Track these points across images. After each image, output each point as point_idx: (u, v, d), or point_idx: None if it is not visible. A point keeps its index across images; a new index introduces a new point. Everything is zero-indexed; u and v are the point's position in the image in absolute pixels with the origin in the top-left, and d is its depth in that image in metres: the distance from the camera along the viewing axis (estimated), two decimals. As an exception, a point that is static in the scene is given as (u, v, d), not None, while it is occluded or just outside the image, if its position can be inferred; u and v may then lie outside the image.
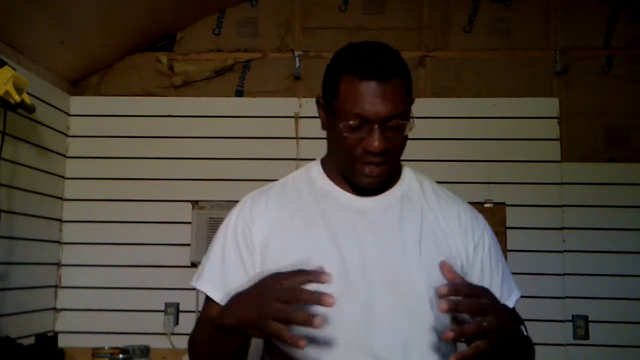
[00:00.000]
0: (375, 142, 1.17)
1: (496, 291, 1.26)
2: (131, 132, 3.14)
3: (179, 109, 3.16)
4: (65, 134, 3.11)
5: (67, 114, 3.12)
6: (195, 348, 1.25)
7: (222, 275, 1.24)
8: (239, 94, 3.21)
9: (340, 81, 1.21)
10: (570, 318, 2.96)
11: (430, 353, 1.20)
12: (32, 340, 2.68)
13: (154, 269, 3.04)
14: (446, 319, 1.23)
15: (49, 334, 2.87)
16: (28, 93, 2.44)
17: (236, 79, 3.22)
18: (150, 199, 3.09)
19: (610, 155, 3.08)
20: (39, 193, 2.85)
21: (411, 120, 1.22)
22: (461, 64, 3.18)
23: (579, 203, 3.02)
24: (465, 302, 1.04)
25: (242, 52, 3.23)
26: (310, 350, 1.19)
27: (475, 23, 3.20)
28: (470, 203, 1.38)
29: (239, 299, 1.12)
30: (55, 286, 3.03)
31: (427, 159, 2.94)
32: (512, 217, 3.01)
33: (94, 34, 2.94)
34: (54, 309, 3.01)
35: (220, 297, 1.24)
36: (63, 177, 3.09)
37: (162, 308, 3.01)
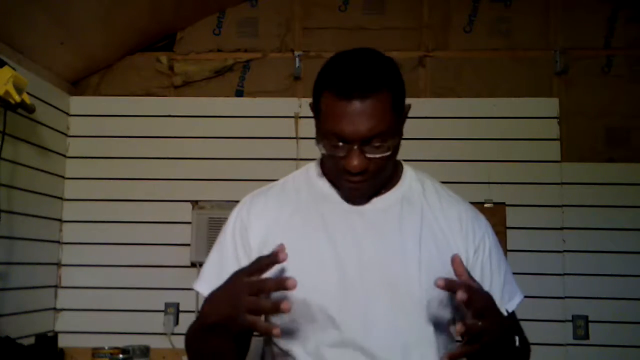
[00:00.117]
0: (354, 162, 1.15)
1: (496, 295, 1.26)
2: (131, 132, 3.14)
3: (179, 109, 3.16)
4: (65, 134, 3.11)
5: (67, 114, 3.12)
6: (190, 347, 1.27)
7: (219, 277, 1.25)
8: (239, 94, 3.21)
9: (321, 97, 1.18)
10: (570, 318, 2.96)
11: (430, 353, 1.20)
12: (32, 340, 2.68)
13: (154, 269, 3.04)
14: (445, 319, 1.23)
15: (49, 334, 2.87)
16: (28, 93, 2.44)
17: (236, 79, 3.22)
18: (150, 199, 3.09)
19: (610, 155, 3.08)
20: (39, 193, 2.85)
21: (396, 138, 1.18)
22: (461, 64, 3.18)
23: (579, 203, 3.02)
24: (472, 296, 1.04)
25: (242, 52, 3.23)
26: (310, 351, 1.20)
27: (475, 23, 3.20)
28: (470, 203, 1.37)
29: (215, 297, 1.15)
30: (55, 286, 3.03)
31: (427, 159, 2.94)
32: (512, 217, 3.01)
33: (94, 34, 2.94)
34: (54, 309, 3.01)
35: None
36: (63, 177, 3.09)
37: (162, 308, 3.02)
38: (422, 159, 2.81)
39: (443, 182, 1.40)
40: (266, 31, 3.24)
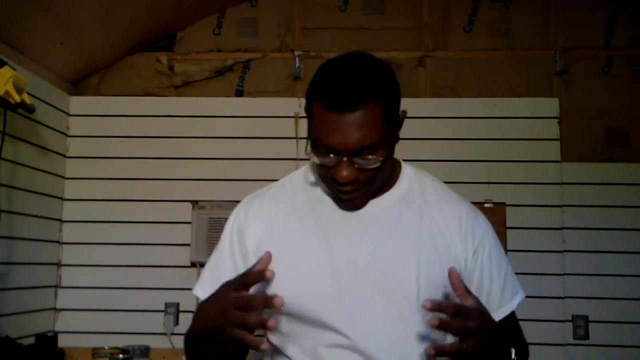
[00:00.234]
0: (343, 173, 1.14)
1: (496, 296, 1.26)
2: (131, 132, 3.14)
3: (179, 109, 3.16)
4: (65, 134, 3.11)
5: (67, 114, 3.12)
6: (188, 351, 1.27)
7: (217, 282, 1.24)
8: (239, 94, 3.21)
9: (312, 106, 1.18)
10: (570, 318, 2.96)
11: (425, 357, 1.19)
12: (32, 340, 2.68)
13: (154, 269, 3.04)
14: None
15: (49, 334, 2.87)
16: (28, 93, 2.44)
17: (236, 79, 3.22)
18: (150, 199, 3.09)
19: (610, 155, 3.08)
20: (39, 193, 2.85)
21: (387, 148, 1.16)
22: (461, 64, 3.18)
23: (579, 203, 3.02)
24: (453, 322, 1.04)
25: (242, 52, 3.23)
26: (307, 351, 1.19)
27: (475, 23, 3.20)
28: (471, 203, 1.36)
29: (205, 307, 1.16)
30: (55, 286, 3.03)
31: (427, 159, 2.94)
32: (512, 217, 3.01)
33: (94, 34, 2.94)
34: (54, 309, 3.01)
35: None
36: (63, 177, 3.09)
37: (162, 308, 3.02)
38: (422, 159, 2.81)
39: (443, 183, 1.38)
40: (266, 31, 3.24)
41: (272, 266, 1.11)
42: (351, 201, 1.21)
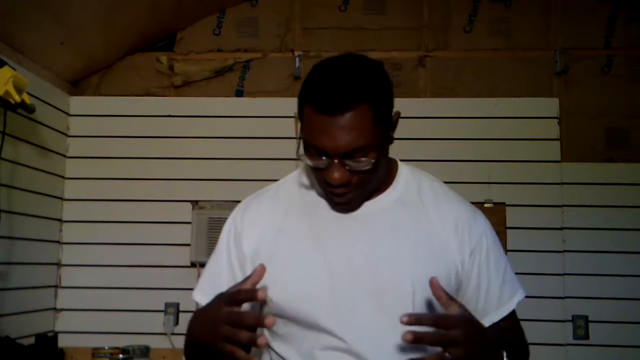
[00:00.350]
0: (334, 175, 1.14)
1: (494, 296, 1.25)
2: (131, 132, 3.14)
3: (179, 109, 3.16)
4: (65, 134, 3.11)
5: (67, 114, 3.12)
6: (187, 355, 1.27)
7: (214, 285, 1.24)
8: (239, 94, 3.21)
9: (303, 110, 1.16)
10: (570, 318, 2.96)
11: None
12: (32, 340, 2.68)
13: (154, 269, 3.04)
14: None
15: (49, 334, 2.87)
16: (28, 93, 2.44)
17: (236, 79, 3.22)
18: (150, 199, 3.09)
19: (610, 155, 3.09)
20: (39, 193, 2.85)
21: (380, 150, 1.15)
22: (461, 64, 3.18)
23: (579, 203, 3.02)
24: (430, 334, 1.03)
25: (242, 52, 3.23)
26: (304, 353, 1.19)
27: (475, 23, 3.20)
28: (471, 203, 1.35)
29: (198, 319, 1.17)
30: (55, 286, 3.03)
31: (427, 159, 2.94)
32: (512, 217, 3.01)
33: (94, 34, 2.94)
34: (54, 309, 3.01)
35: None
36: (63, 177, 3.09)
37: (162, 308, 3.02)
38: (422, 159, 2.81)
39: (443, 183, 1.37)
40: (266, 31, 3.24)
41: (268, 269, 1.12)
42: (345, 204, 1.21)
